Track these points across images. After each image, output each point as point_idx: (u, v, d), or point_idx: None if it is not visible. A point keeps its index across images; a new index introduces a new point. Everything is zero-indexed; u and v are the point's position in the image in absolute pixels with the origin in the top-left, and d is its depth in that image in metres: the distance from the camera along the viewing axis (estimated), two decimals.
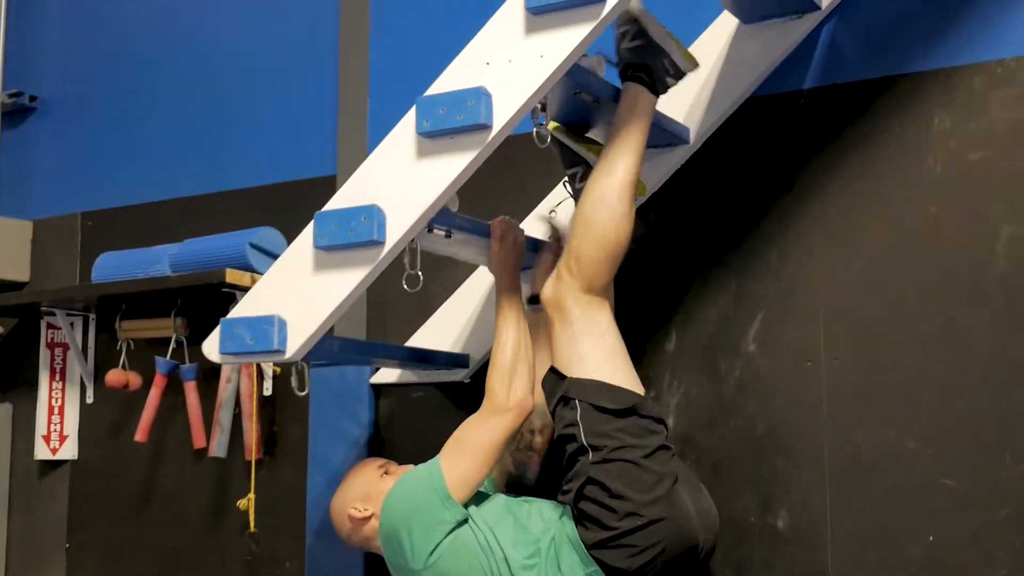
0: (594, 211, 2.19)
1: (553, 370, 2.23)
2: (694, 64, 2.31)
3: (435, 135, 2.14)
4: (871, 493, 2.36)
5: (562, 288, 2.21)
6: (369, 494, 2.37)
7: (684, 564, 2.16)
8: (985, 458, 2.27)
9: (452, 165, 2.13)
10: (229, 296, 3.04)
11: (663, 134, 2.51)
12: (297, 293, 2.24)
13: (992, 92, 2.34)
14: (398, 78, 3.04)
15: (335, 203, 2.23)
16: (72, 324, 3.54)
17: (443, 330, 2.83)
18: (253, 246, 3.08)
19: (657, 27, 2.24)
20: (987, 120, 2.34)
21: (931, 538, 2.29)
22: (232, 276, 3.01)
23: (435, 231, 2.28)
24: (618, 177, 2.19)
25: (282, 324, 2.23)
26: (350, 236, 2.18)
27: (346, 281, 2.20)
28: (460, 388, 2.84)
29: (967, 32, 2.39)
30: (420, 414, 2.88)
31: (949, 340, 2.33)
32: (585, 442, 2.13)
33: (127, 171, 3.62)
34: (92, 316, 3.56)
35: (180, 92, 3.56)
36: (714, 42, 2.60)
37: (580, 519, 2.14)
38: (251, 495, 3.08)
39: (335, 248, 2.20)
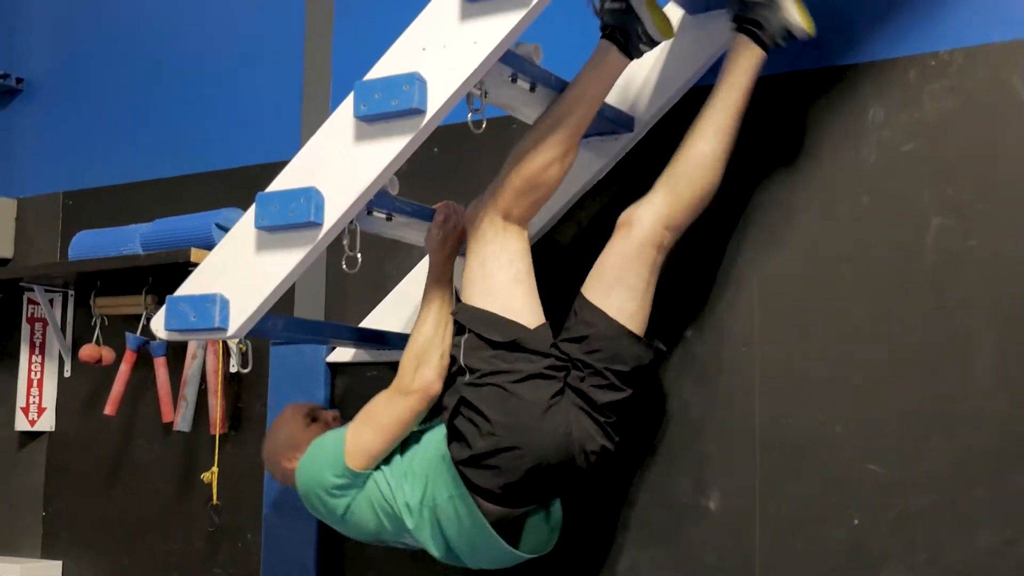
0: (531, 152, 2.19)
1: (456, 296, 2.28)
2: (669, 34, 2.26)
3: (372, 119, 2.13)
4: (800, 477, 2.35)
5: (482, 209, 2.24)
6: (298, 443, 2.42)
7: (557, 479, 2.19)
8: (911, 446, 2.25)
9: (388, 149, 2.12)
10: None
11: (608, 122, 2.48)
12: (239, 272, 2.24)
13: (925, 84, 2.33)
14: (360, 67, 3.00)
15: (276, 185, 2.23)
16: (52, 300, 3.55)
17: (396, 311, 2.82)
18: (219, 226, 3.07)
19: None
20: (920, 112, 2.33)
21: (856, 522, 2.28)
22: (197, 255, 3.01)
23: (375, 213, 2.27)
24: (561, 125, 2.20)
25: (224, 302, 2.23)
26: (289, 217, 2.18)
27: (286, 261, 2.19)
28: None
29: (901, 25, 2.37)
30: (374, 392, 2.84)
31: (879, 328, 2.32)
32: (463, 363, 2.18)
33: (107, 152, 3.62)
34: (71, 292, 3.57)
35: (157, 78, 3.56)
36: None
37: (452, 437, 2.19)
38: (215, 468, 3.09)
39: (275, 229, 2.20)
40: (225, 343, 3.08)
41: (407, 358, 2.31)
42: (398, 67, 2.13)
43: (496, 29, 2.04)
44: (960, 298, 2.24)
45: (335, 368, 2.95)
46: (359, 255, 2.26)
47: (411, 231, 2.48)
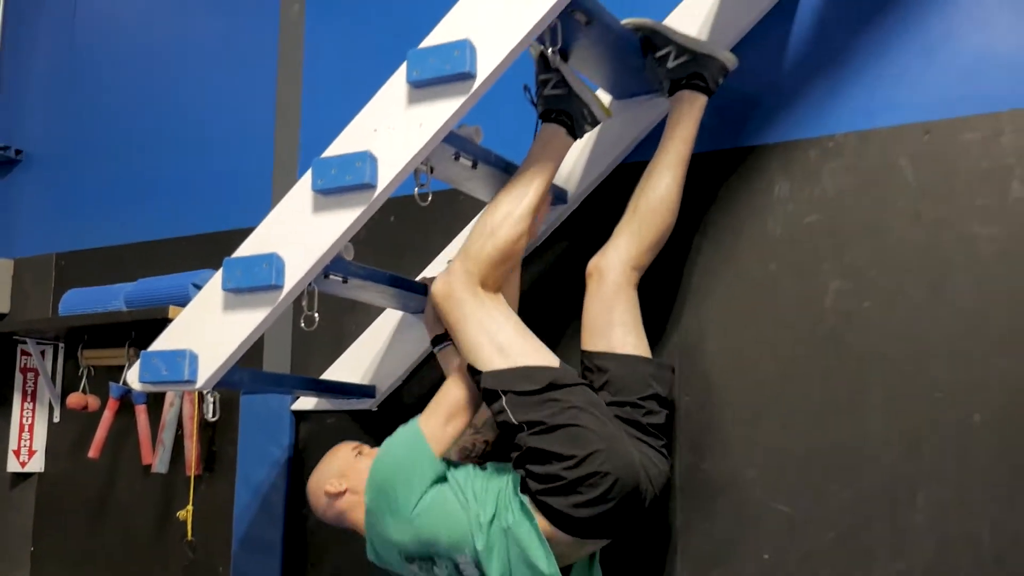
0: (501, 224, 2.15)
1: (470, 368, 2.15)
2: (609, 113, 2.30)
3: (328, 192, 2.14)
4: (715, 517, 2.34)
5: (454, 279, 2.15)
6: (344, 471, 2.30)
7: (629, 509, 2.07)
8: (814, 487, 2.25)
9: (342, 219, 2.12)
10: None
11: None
12: (207, 330, 2.21)
13: (824, 164, 2.35)
14: (324, 145, 3.02)
15: (242, 251, 2.22)
16: (43, 352, 3.51)
17: (355, 364, 2.80)
18: (196, 286, 3.04)
19: (575, 79, 2.24)
20: (820, 188, 2.35)
21: (766, 556, 2.27)
22: (174, 312, 2.98)
23: (331, 277, 2.26)
24: (527, 201, 2.17)
25: (193, 357, 2.20)
26: (253, 280, 2.16)
27: (250, 320, 2.17)
28: (369, 415, 2.81)
29: (804, 110, 2.40)
30: (334, 438, 2.81)
31: (785, 382, 2.32)
32: (517, 422, 2.06)
33: (96, 217, 3.59)
34: (61, 345, 3.53)
35: (142, 152, 3.54)
36: None
37: (527, 477, 2.06)
38: (189, 507, 3.04)
39: (240, 291, 2.18)
40: (200, 392, 3.05)
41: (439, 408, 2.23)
42: (352, 146, 2.13)
43: (439, 113, 2.06)
44: (856, 353, 2.25)
45: (299, 415, 2.92)
46: (316, 315, 2.23)
47: (366, 292, 2.46)
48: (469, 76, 2.02)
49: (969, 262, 2.16)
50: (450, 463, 2.23)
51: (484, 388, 2.10)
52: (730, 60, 2.29)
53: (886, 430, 2.20)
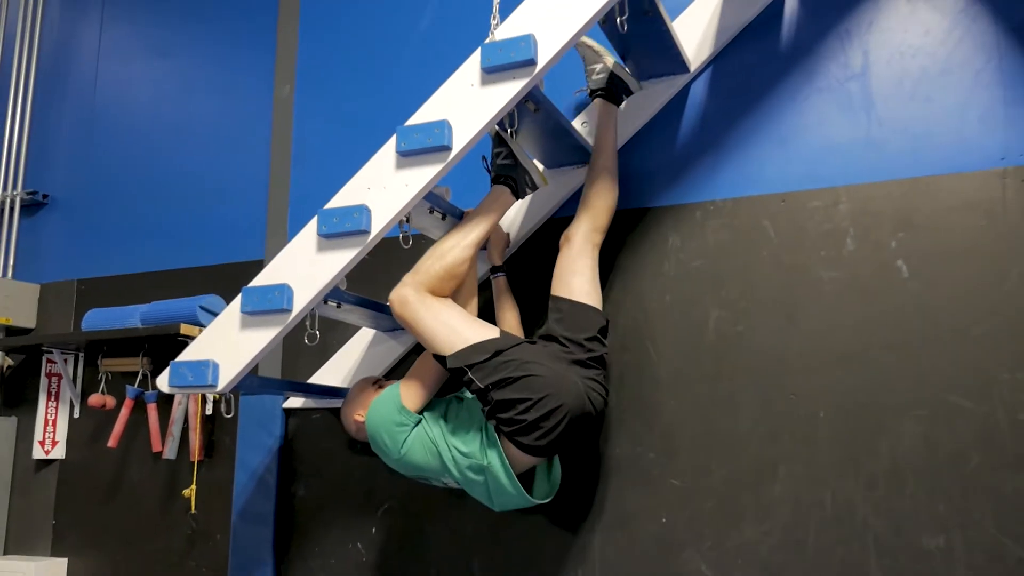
0: (450, 250, 2.15)
1: (435, 356, 2.14)
2: (544, 182, 2.31)
3: (330, 236, 2.11)
4: (623, 489, 2.37)
5: (406, 289, 2.13)
6: (366, 401, 2.32)
7: (580, 428, 2.11)
8: (699, 465, 2.29)
9: (341, 258, 2.10)
10: (183, 343, 2.91)
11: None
12: (227, 344, 2.16)
13: (707, 222, 2.40)
14: (311, 195, 3.00)
15: (257, 281, 2.17)
16: (65, 360, 3.34)
17: (336, 370, 2.76)
18: (202, 308, 2.96)
19: (522, 153, 2.26)
20: (703, 241, 2.40)
21: (663, 520, 2.31)
22: (185, 329, 2.89)
23: (329, 303, 2.24)
24: (472, 238, 2.17)
25: (215, 366, 2.15)
26: (267, 304, 2.12)
27: (263, 337, 2.13)
28: None
29: (692, 181, 2.45)
30: (318, 431, 2.80)
31: (676, 387, 2.35)
32: (483, 385, 2.06)
33: (111, 251, 3.44)
34: (81, 354, 3.37)
35: (152, 198, 3.42)
36: None
37: (501, 425, 2.08)
38: (193, 486, 2.94)
39: (257, 313, 2.14)
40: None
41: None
42: (350, 200, 2.11)
43: (422, 176, 2.06)
44: (731, 365, 2.30)
45: (289, 412, 2.85)
46: (317, 332, 2.22)
47: (354, 315, 2.44)
48: (446, 148, 2.03)
49: (816, 298, 2.24)
50: (437, 401, 2.27)
51: (450, 368, 2.10)
52: (633, 84, 2.42)
53: (754, 423, 2.25)
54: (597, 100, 2.45)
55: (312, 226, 2.14)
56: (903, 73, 2.29)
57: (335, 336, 2.79)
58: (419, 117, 2.09)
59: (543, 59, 1.98)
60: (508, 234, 2.56)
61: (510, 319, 2.45)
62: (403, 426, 2.18)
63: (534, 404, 2.03)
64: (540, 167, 2.53)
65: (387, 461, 2.24)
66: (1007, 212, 2.11)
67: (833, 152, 2.31)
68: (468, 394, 2.28)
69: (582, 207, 2.33)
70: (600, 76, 2.43)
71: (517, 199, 2.30)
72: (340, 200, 2.13)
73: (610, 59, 2.42)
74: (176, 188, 3.36)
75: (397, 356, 2.69)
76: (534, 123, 2.26)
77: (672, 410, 2.34)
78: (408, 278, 2.16)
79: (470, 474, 2.15)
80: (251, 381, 2.28)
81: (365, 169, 2.13)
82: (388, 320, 2.56)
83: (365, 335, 2.74)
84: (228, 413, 2.29)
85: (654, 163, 2.47)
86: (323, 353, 2.79)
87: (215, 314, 2.97)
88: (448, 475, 2.19)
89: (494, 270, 2.48)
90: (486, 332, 2.13)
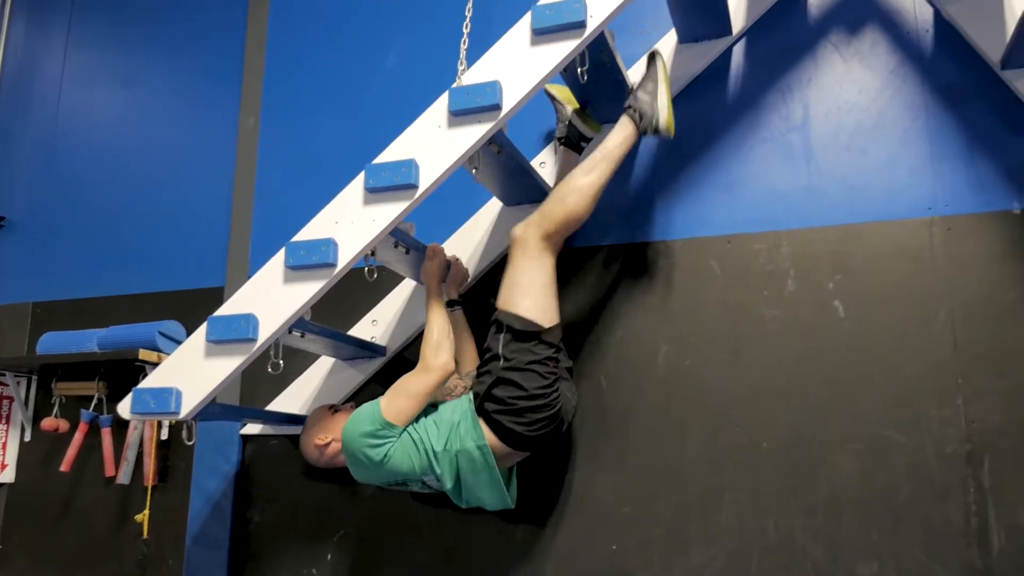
0: (570, 193, 2.14)
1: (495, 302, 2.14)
2: (671, 131, 2.19)
3: (297, 268, 2.12)
4: (575, 517, 2.40)
5: (530, 230, 2.13)
6: (326, 426, 2.30)
7: (553, 433, 2.15)
8: (649, 493, 2.33)
9: (307, 290, 2.11)
10: (139, 368, 2.87)
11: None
12: (191, 372, 2.14)
13: (659, 261, 2.46)
14: (274, 225, 3.00)
15: (224, 310, 2.16)
16: (18, 383, 3.25)
17: (295, 398, 2.74)
18: (161, 334, 2.92)
19: (655, 91, 2.19)
20: (654, 279, 2.45)
21: (614, 547, 2.34)
22: (144, 354, 2.85)
23: (293, 333, 2.24)
24: (593, 178, 2.14)
25: (179, 394, 2.13)
26: (232, 333, 2.12)
27: (228, 366, 2.12)
28: None
29: (645, 222, 2.51)
30: (275, 457, 2.77)
31: (628, 416, 2.40)
32: (500, 353, 2.09)
33: (69, 275, 3.36)
34: (34, 378, 3.28)
35: (112, 222, 3.35)
36: (486, 216, 2.66)
37: (488, 399, 2.10)
38: (146, 511, 2.87)
39: (222, 342, 2.13)
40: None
41: (428, 348, 2.19)
42: (318, 233, 2.13)
43: (388, 213, 2.09)
44: (680, 397, 2.35)
45: (246, 438, 2.82)
46: (281, 362, 2.21)
47: (316, 344, 2.44)
48: (413, 187, 2.06)
49: (759, 335, 2.32)
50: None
51: (496, 318, 2.11)
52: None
53: (701, 452, 2.30)
54: (560, 147, 2.50)
55: (279, 257, 2.14)
56: (840, 127, 2.40)
57: (294, 364, 2.77)
58: (387, 155, 2.12)
59: (508, 104, 2.03)
60: (467, 269, 2.59)
61: (468, 350, 2.47)
62: (386, 440, 2.13)
63: (528, 397, 2.07)
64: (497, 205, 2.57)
65: (364, 473, 2.19)
66: (934, 258, 2.22)
67: (776, 198, 2.40)
68: (444, 409, 2.23)
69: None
70: (561, 126, 2.49)
71: (639, 136, 2.20)
72: (308, 233, 2.14)
73: (569, 109, 2.48)
74: (137, 214, 3.31)
75: (357, 384, 2.69)
76: (496, 163, 2.31)
77: (623, 440, 2.38)
78: (535, 217, 2.14)
79: (445, 468, 2.14)
80: (212, 408, 2.25)
81: (333, 204, 2.15)
82: (349, 349, 2.57)
83: (325, 363, 2.74)
84: (190, 440, 2.26)
85: (609, 203, 2.51)
86: (282, 380, 2.76)
87: (174, 340, 2.93)
88: (429, 473, 2.16)
89: (451, 304, 2.49)
90: (549, 317, 2.13)
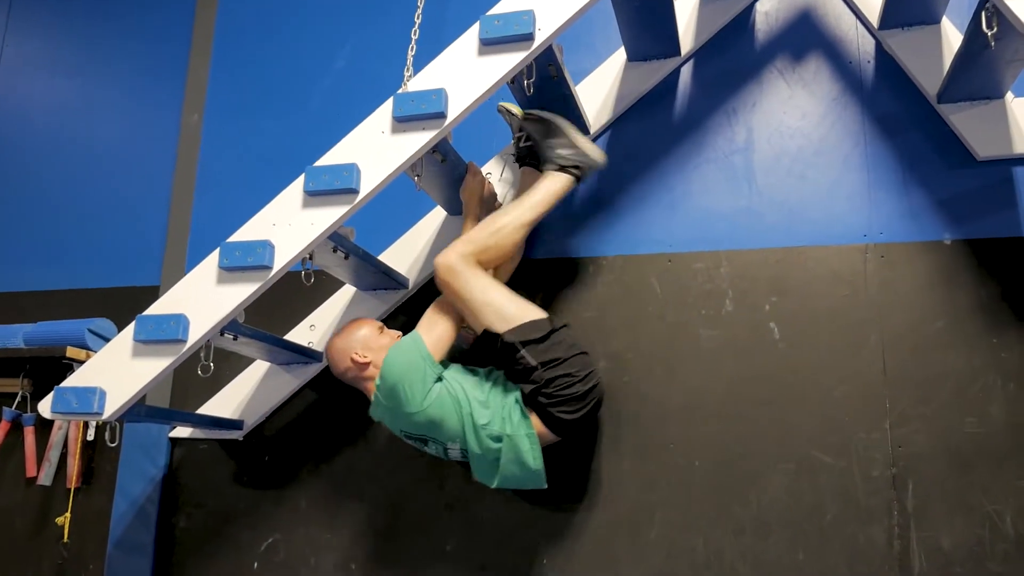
0: (505, 228, 2.13)
1: (485, 332, 2.07)
2: (603, 160, 2.24)
3: (231, 269, 2.07)
4: None
5: (454, 255, 2.09)
6: (370, 345, 2.17)
7: (595, 413, 2.14)
8: (579, 509, 2.32)
9: (241, 291, 2.06)
10: (67, 366, 2.76)
11: (390, 279, 2.50)
12: (117, 372, 2.07)
13: (598, 277, 2.45)
14: (213, 224, 2.92)
15: (153, 310, 2.10)
16: None
17: (227, 402, 2.67)
18: (91, 331, 2.82)
19: (586, 142, 2.22)
20: (595, 293, 2.44)
21: (544, 562, 2.31)
22: (72, 352, 2.75)
23: (225, 335, 2.17)
24: (528, 218, 2.16)
25: (103, 394, 2.06)
26: (161, 334, 2.05)
27: (155, 367, 2.06)
28: (236, 444, 2.67)
29: (585, 237, 2.50)
30: (204, 462, 2.69)
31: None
32: (535, 363, 2.03)
33: None
34: None
35: (46, 210, 3.23)
36: (429, 225, 2.61)
37: (540, 393, 2.04)
38: (68, 514, 2.77)
39: (150, 342, 2.06)
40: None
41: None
42: (254, 235, 2.08)
43: (328, 217, 2.05)
44: (616, 413, 2.33)
45: (175, 441, 2.73)
46: (211, 364, 2.14)
47: (250, 348, 2.38)
48: (354, 191, 2.03)
49: (696, 353, 2.32)
50: (445, 363, 2.17)
51: (504, 343, 2.04)
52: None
53: (634, 469, 2.29)
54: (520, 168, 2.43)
55: (214, 258, 2.09)
56: (782, 151, 2.42)
57: (229, 366, 2.70)
58: (329, 159, 2.08)
59: (453, 113, 2.01)
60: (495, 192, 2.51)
61: (500, 274, 2.36)
62: (429, 380, 2.05)
63: (580, 379, 2.05)
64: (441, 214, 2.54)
65: (392, 414, 2.09)
66: (868, 284, 2.25)
67: (717, 218, 2.41)
68: (490, 381, 2.16)
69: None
70: (513, 146, 2.44)
71: (577, 183, 2.25)
72: (244, 234, 2.09)
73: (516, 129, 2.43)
74: (72, 206, 3.20)
75: (291, 389, 2.62)
76: (440, 172, 2.28)
77: (557, 454, 2.34)
78: (459, 245, 2.10)
79: (488, 442, 2.06)
80: (138, 410, 2.18)
81: (271, 205, 2.10)
82: (285, 354, 2.51)
83: (259, 367, 2.67)
84: (112, 442, 2.18)
85: (551, 217, 2.49)
86: (215, 383, 2.69)
87: (104, 338, 2.84)
88: (460, 440, 2.08)
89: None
90: (534, 311, 2.10)
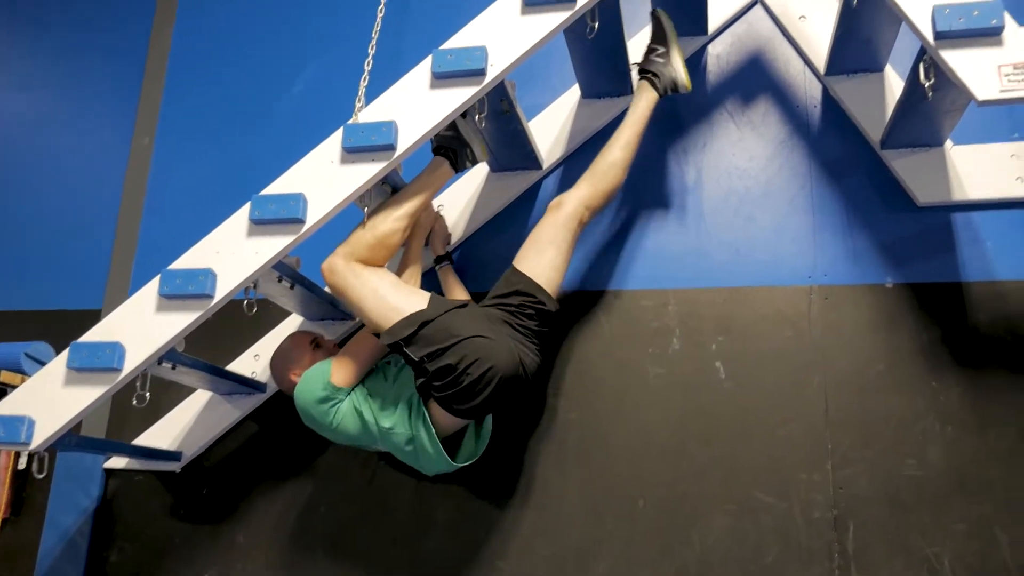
0: (381, 221, 2.08)
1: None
2: (485, 156, 2.26)
3: (171, 297, 2.03)
4: None
5: (336, 260, 2.05)
6: (303, 362, 2.22)
7: (509, 389, 2.03)
8: (525, 546, 2.28)
9: (181, 320, 2.02)
10: (1, 391, 2.66)
11: (336, 310, 2.47)
12: (48, 400, 2.01)
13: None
14: (160, 248, 2.84)
15: (89, 336, 2.04)
16: None
17: (165, 432, 2.59)
18: (28, 355, 2.73)
19: (467, 128, 2.19)
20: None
21: None
22: (6, 376, 2.66)
23: (163, 364, 2.12)
24: (405, 209, 2.11)
25: (31, 423, 1.99)
26: (96, 362, 1.99)
27: (87, 396, 2.00)
28: (173, 476, 2.59)
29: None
30: (140, 494, 2.61)
31: (513, 466, 2.35)
32: (416, 358, 1.99)
33: None
34: None
35: None
36: None
37: (431, 386, 2.02)
38: None
39: (83, 370, 2.00)
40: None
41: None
42: (197, 263, 2.04)
43: (273, 246, 2.03)
44: (564, 450, 2.31)
45: (109, 472, 2.64)
46: (147, 394, 2.09)
47: (190, 377, 2.32)
48: (299, 221, 2.01)
49: (643, 391, 2.31)
50: (378, 366, 2.21)
51: (386, 344, 2.02)
52: (682, 84, 2.25)
53: (581, 505, 2.26)
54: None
55: (154, 285, 2.04)
56: (730, 191, 2.45)
57: (170, 395, 2.63)
58: (276, 188, 2.05)
59: (403, 145, 2.00)
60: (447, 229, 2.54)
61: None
62: (331, 401, 2.09)
63: (466, 368, 1.96)
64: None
65: (317, 430, 2.17)
66: (811, 326, 2.27)
67: (666, 257, 2.42)
68: (397, 361, 2.20)
69: (587, 178, 2.18)
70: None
71: (456, 172, 2.22)
72: (187, 261, 2.05)
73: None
74: (15, 224, 3.12)
75: (233, 420, 2.56)
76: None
77: (506, 491, 2.33)
78: (339, 248, 2.08)
79: (399, 443, 2.11)
80: (69, 440, 2.11)
81: (216, 233, 2.07)
82: (226, 384, 2.45)
83: (200, 397, 2.61)
84: (40, 473, 2.10)
85: (503, 251, 2.48)
86: (154, 412, 2.62)
87: (42, 363, 2.74)
88: (377, 444, 2.15)
89: (438, 260, 2.45)
90: (415, 301, 2.04)
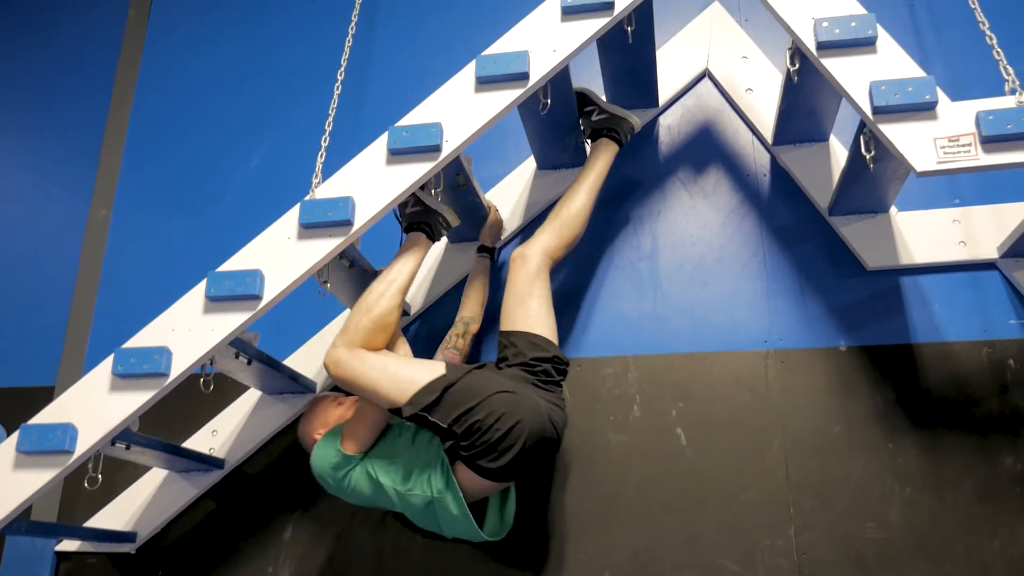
0: (375, 303, 2.06)
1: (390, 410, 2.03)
2: (456, 221, 2.25)
3: (126, 376, 1.99)
4: None
5: (338, 351, 2.02)
6: (328, 420, 2.20)
7: (539, 452, 1.98)
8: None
9: (135, 400, 1.99)
10: None
11: (296, 384, 2.45)
12: None
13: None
14: (116, 323, 2.83)
15: (40, 418, 2.00)
16: None
17: (120, 513, 2.52)
18: None
19: (430, 197, 2.19)
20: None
21: None
22: None
23: (117, 444, 2.08)
24: (397, 285, 2.09)
25: None
26: (47, 444, 1.95)
27: (39, 479, 1.95)
28: (127, 557, 2.51)
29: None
30: (93, 574, 2.53)
31: (473, 544, 2.32)
32: (445, 425, 1.94)
33: None
34: None
35: None
36: (335, 329, 2.58)
37: (460, 447, 1.97)
38: None
39: (33, 453, 1.96)
40: None
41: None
42: (151, 341, 2.02)
43: (229, 323, 2.01)
44: (526, 521, 2.27)
45: (61, 555, 2.55)
46: (100, 476, 2.04)
47: (145, 456, 2.27)
48: (257, 297, 2.00)
49: (605, 459, 2.31)
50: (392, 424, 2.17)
51: (408, 417, 1.97)
52: (636, 123, 2.38)
53: (546, 574, 2.24)
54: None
55: (107, 364, 2.01)
56: (684, 259, 2.49)
57: (125, 474, 2.58)
58: (233, 264, 2.05)
59: (359, 221, 2.02)
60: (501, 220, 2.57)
61: (474, 299, 2.42)
62: (344, 468, 2.07)
63: (494, 424, 1.91)
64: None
65: (336, 494, 2.14)
66: (769, 390, 2.30)
67: (625, 324, 2.45)
68: (407, 425, 2.14)
69: (547, 227, 2.23)
70: (601, 118, 2.41)
71: (433, 242, 2.22)
72: (141, 339, 2.03)
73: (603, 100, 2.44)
74: None
75: (190, 498, 2.51)
76: (348, 277, 2.27)
77: (468, 566, 2.30)
78: (338, 339, 2.04)
79: (417, 504, 2.05)
80: (19, 525, 2.05)
81: (172, 310, 2.05)
82: (182, 461, 2.41)
83: (156, 475, 2.55)
84: None
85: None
86: (108, 492, 2.55)
87: None
88: (396, 506, 2.10)
89: (482, 250, 2.49)
90: (431, 369, 2.02)
